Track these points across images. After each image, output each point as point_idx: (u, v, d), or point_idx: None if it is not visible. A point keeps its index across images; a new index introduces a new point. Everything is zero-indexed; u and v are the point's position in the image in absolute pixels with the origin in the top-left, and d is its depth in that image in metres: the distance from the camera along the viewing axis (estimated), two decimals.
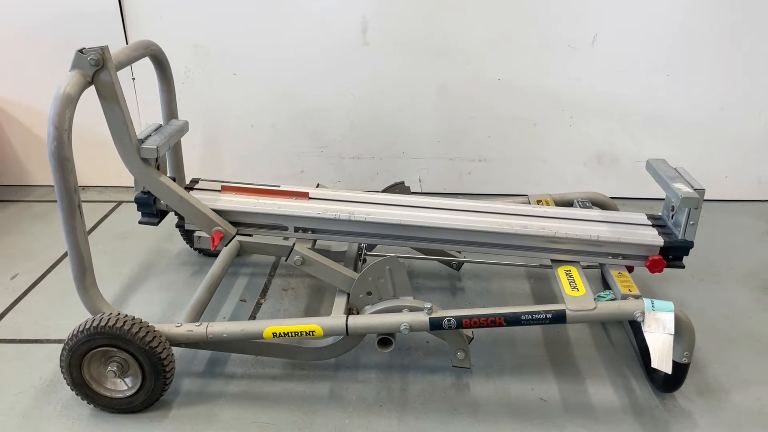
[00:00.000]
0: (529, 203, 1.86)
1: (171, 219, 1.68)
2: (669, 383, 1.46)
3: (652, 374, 1.53)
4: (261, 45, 2.37)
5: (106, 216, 2.40)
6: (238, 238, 1.92)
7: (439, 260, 1.93)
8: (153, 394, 1.42)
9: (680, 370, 1.41)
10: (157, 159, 1.48)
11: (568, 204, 1.87)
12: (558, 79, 2.38)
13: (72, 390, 1.43)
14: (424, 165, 2.54)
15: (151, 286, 1.95)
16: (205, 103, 2.46)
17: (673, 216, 1.54)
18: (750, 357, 1.64)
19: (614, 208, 1.88)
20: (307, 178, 2.58)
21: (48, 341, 1.70)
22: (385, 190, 1.81)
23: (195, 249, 2.08)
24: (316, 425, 1.42)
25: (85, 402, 1.44)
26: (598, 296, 1.49)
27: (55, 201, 1.35)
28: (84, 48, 1.34)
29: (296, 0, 2.29)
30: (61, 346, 1.60)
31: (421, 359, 1.63)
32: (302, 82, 2.42)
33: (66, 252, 1.42)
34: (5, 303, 1.86)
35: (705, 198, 1.43)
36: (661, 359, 1.33)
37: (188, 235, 2.06)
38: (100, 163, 2.53)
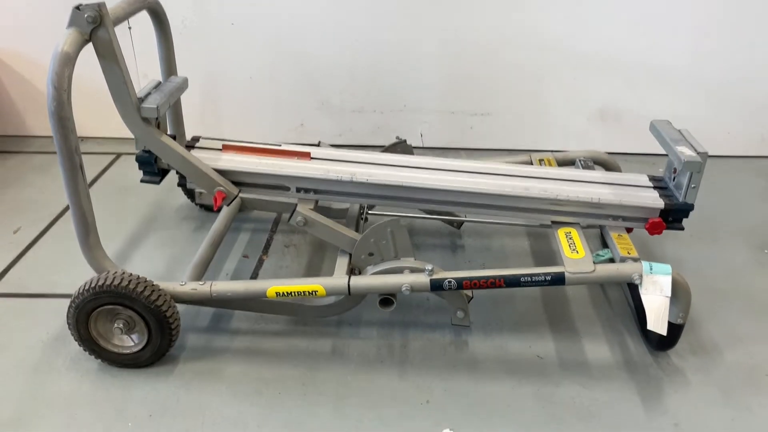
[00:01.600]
0: (531, 163, 1.86)
1: (172, 174, 1.68)
2: (663, 342, 1.49)
3: (647, 333, 1.56)
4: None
5: (105, 169, 2.40)
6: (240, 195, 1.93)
7: (440, 219, 1.94)
8: (159, 350, 1.45)
9: (675, 330, 1.44)
10: (157, 118, 1.47)
11: (570, 163, 1.87)
12: (564, 34, 2.34)
13: (80, 346, 1.46)
14: (425, 119, 2.52)
15: (154, 242, 1.96)
16: (203, 54, 2.42)
17: (674, 178, 1.54)
18: (745, 315, 1.67)
19: (616, 167, 1.88)
20: (307, 132, 2.56)
21: (54, 296, 1.72)
22: (387, 149, 1.81)
23: (196, 204, 2.09)
24: (318, 381, 1.46)
25: (93, 357, 1.48)
26: (597, 254, 1.51)
27: (55, 153, 1.34)
28: (81, 4, 1.31)
29: None
30: (66, 300, 1.63)
31: (422, 316, 1.66)
32: (302, 34, 2.38)
33: (67, 206, 1.43)
34: (9, 257, 1.88)
35: (708, 154, 1.42)
36: (657, 321, 1.36)
37: (189, 191, 2.06)
38: (98, 114, 2.49)
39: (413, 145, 2.48)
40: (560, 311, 1.69)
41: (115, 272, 1.40)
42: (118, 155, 2.50)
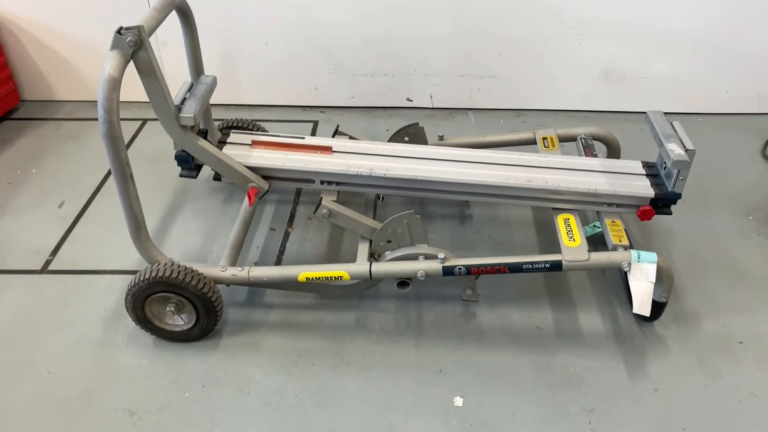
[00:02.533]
0: (535, 140, 1.99)
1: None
2: (647, 318, 1.68)
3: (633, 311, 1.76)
4: None
5: (133, 138, 2.54)
6: None
7: None
8: (206, 328, 1.66)
9: (658, 307, 1.63)
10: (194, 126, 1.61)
11: (572, 139, 2.01)
12: None
13: (137, 324, 1.67)
14: (435, 81, 2.63)
15: (188, 216, 2.14)
16: (219, 21, 2.51)
17: (665, 168, 1.69)
18: (724, 285, 1.86)
19: (615, 143, 2.02)
20: (321, 95, 2.68)
21: (105, 272, 1.93)
22: (400, 131, 1.94)
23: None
24: (345, 352, 1.68)
25: (149, 333, 1.69)
26: (592, 226, 1.71)
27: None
28: (122, 28, 1.43)
29: None
30: (117, 276, 1.85)
31: (434, 289, 1.86)
32: (315, 1, 2.45)
33: (106, 177, 1.62)
34: (59, 232, 2.07)
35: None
36: (641, 305, 1.55)
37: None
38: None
39: (423, 106, 2.61)
40: (558, 281, 1.88)
41: (165, 264, 1.59)
42: (145, 121, 2.63)
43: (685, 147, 1.59)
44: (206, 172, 2.27)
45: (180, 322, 1.68)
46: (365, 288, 1.73)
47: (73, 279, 1.91)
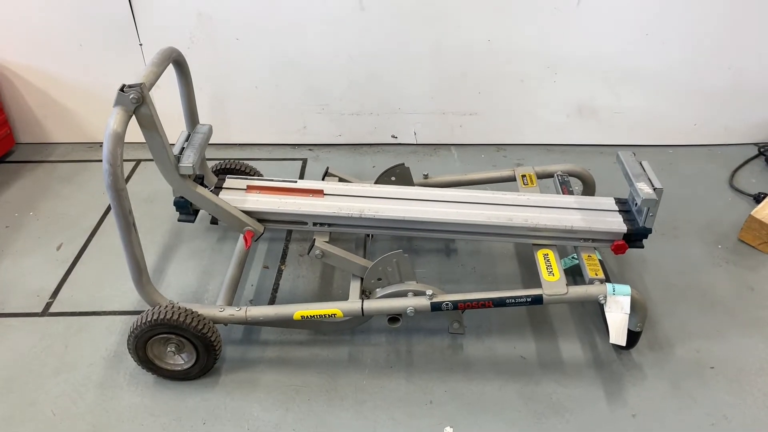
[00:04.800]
0: (515, 178, 2.11)
1: None
2: (625, 345, 1.78)
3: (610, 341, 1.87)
4: (262, 11, 2.48)
5: (128, 177, 2.62)
6: None
7: None
8: (206, 366, 1.74)
9: (634, 336, 1.74)
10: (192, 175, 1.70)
11: (549, 176, 2.12)
12: (544, 39, 2.53)
13: (138, 365, 1.74)
14: (418, 119, 2.74)
15: (183, 255, 2.22)
16: (210, 67, 2.61)
17: (636, 204, 1.80)
18: (696, 311, 1.97)
19: (589, 179, 2.13)
20: (309, 133, 2.78)
21: (105, 313, 1.99)
22: (387, 171, 2.05)
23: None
24: (339, 387, 1.76)
25: (150, 373, 1.76)
26: (571, 258, 1.81)
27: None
28: (124, 86, 1.52)
29: None
30: (117, 317, 1.92)
31: (423, 322, 1.95)
32: (303, 46, 2.56)
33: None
34: (59, 275, 2.14)
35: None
36: (617, 335, 1.65)
37: None
38: None
39: (407, 142, 2.72)
40: (540, 311, 1.98)
41: (167, 306, 1.67)
42: (138, 162, 2.72)
43: (653, 186, 1.70)
44: (202, 213, 2.37)
45: (180, 361, 1.75)
46: (357, 324, 1.81)
47: (74, 320, 1.97)
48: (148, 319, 1.65)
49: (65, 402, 1.72)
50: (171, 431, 1.65)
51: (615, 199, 1.89)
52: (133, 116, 1.56)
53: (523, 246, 2.24)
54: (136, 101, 1.52)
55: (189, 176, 1.71)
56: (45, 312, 2.00)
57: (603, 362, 1.82)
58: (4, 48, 2.60)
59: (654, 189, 1.70)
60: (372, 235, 2.02)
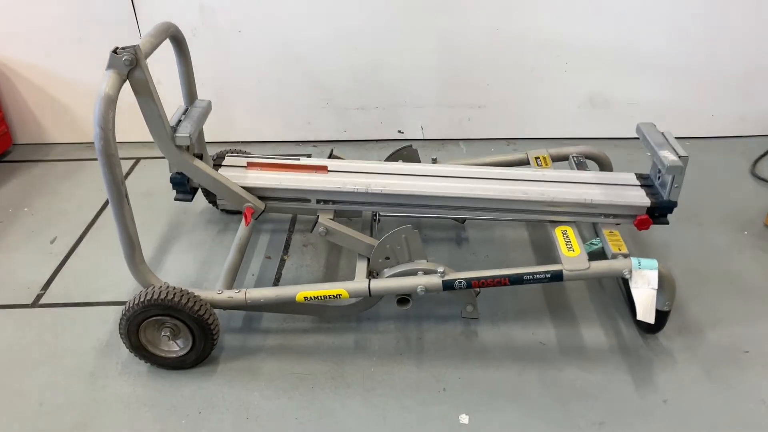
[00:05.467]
0: (528, 161, 2.01)
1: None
2: (652, 327, 1.66)
3: (637, 318, 1.74)
4: (265, 3, 2.42)
5: (127, 174, 2.54)
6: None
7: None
8: (202, 353, 1.62)
9: (662, 317, 1.61)
10: (189, 146, 1.61)
11: (564, 158, 2.03)
12: (554, 27, 2.46)
13: (131, 352, 1.63)
14: (425, 113, 2.66)
15: (183, 246, 2.12)
16: (213, 60, 2.54)
17: (659, 177, 1.70)
18: (725, 297, 1.85)
19: (606, 161, 2.03)
20: (314, 129, 2.70)
21: (98, 304, 1.89)
22: (394, 153, 1.95)
23: (219, 209, 2.23)
24: (346, 374, 1.64)
25: (143, 361, 1.65)
26: (590, 243, 1.70)
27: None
28: (117, 48, 1.44)
29: None
30: (110, 307, 1.81)
31: (434, 309, 1.83)
32: (305, 38, 2.50)
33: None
34: (50, 268, 2.04)
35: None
36: (645, 311, 1.53)
37: (210, 197, 2.20)
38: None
39: (414, 137, 2.64)
40: (559, 299, 1.86)
41: (161, 287, 1.56)
42: (138, 160, 2.63)
43: (678, 154, 1.60)
44: (201, 204, 2.28)
45: (175, 348, 1.64)
46: (364, 307, 1.70)
47: (65, 312, 1.87)
48: (141, 300, 1.55)
49: (53, 392, 1.61)
50: (164, 421, 1.53)
51: (636, 174, 1.79)
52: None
53: (538, 232, 2.13)
54: (129, 63, 1.44)
55: (186, 148, 1.62)
56: (35, 303, 1.90)
57: (629, 348, 1.69)
58: (2, 45, 2.54)
59: (679, 157, 1.59)
60: (378, 219, 1.92)
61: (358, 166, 1.77)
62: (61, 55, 2.56)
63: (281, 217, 2.25)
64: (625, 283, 1.84)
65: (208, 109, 1.76)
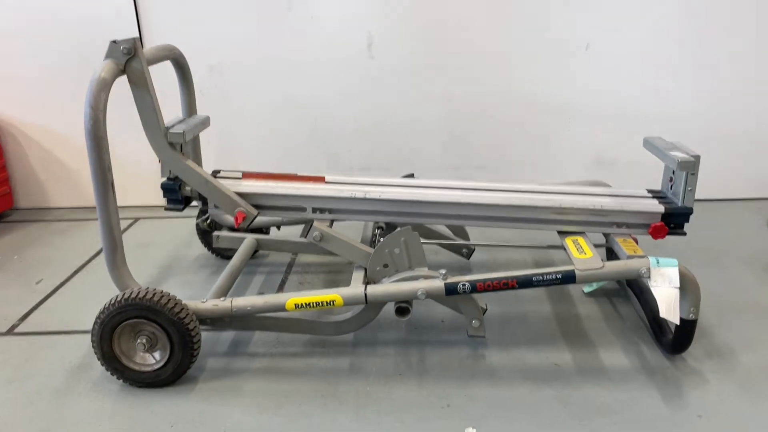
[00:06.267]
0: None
1: (190, 229, 1.75)
2: (678, 343, 1.50)
3: (660, 338, 1.59)
4: (273, 65, 2.50)
5: (125, 230, 2.48)
6: (255, 236, 2.01)
7: (449, 245, 1.99)
8: (180, 366, 1.47)
9: (688, 326, 1.46)
10: (182, 146, 1.57)
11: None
12: (556, 86, 2.50)
13: (102, 365, 1.48)
14: (431, 175, 2.63)
15: (171, 285, 2.01)
16: (219, 120, 2.57)
17: (672, 186, 1.62)
18: (755, 323, 1.70)
19: None
20: None
21: (76, 332, 1.75)
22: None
23: (213, 251, 2.15)
24: (338, 392, 1.47)
25: (115, 377, 1.49)
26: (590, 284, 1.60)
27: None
28: (116, 39, 1.45)
29: (306, 22, 2.43)
30: (86, 336, 1.67)
31: (437, 336, 1.68)
32: (312, 98, 2.54)
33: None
34: (32, 303, 1.92)
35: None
36: (669, 310, 1.39)
37: (206, 238, 2.13)
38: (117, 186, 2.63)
39: None
40: (573, 327, 1.71)
41: (140, 288, 1.45)
42: (136, 219, 2.59)
43: (688, 154, 1.54)
44: (196, 251, 2.20)
45: (151, 360, 1.49)
46: (361, 323, 1.56)
47: (40, 339, 1.73)
48: (118, 299, 1.43)
49: (14, 409, 1.44)
50: None
51: (647, 189, 1.71)
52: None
53: (547, 259, 2.01)
54: (127, 53, 1.44)
55: (180, 149, 1.57)
56: (9, 332, 1.77)
57: (654, 369, 1.52)
58: (11, 104, 2.60)
59: (691, 156, 1.53)
60: (377, 236, 1.81)
61: (358, 179, 1.71)
62: (68, 115, 2.60)
63: (278, 261, 2.15)
64: (644, 305, 1.71)
65: (206, 121, 1.74)
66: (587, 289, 1.89)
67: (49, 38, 2.49)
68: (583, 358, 1.57)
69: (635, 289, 1.81)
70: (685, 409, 1.38)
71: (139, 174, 2.64)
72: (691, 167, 1.50)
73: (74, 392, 1.49)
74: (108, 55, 1.45)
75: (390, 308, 1.53)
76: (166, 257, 2.22)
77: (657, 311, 1.61)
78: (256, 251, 2.06)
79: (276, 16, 2.44)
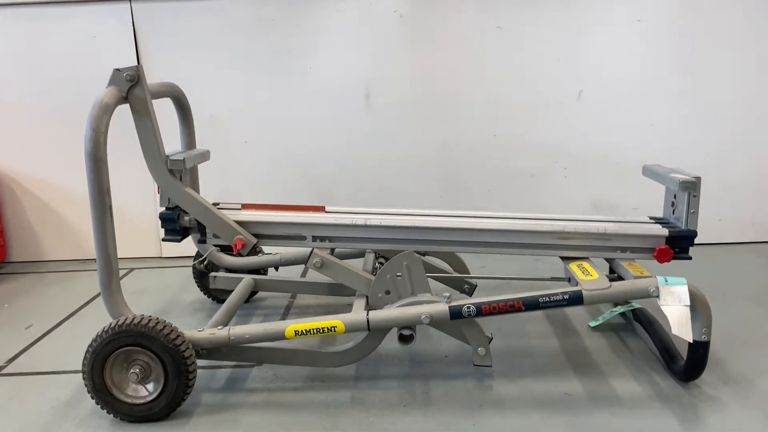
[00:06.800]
0: None
1: (186, 276, 1.73)
2: (692, 368, 1.45)
3: (673, 366, 1.54)
4: (271, 114, 2.54)
5: (120, 279, 2.43)
6: (252, 276, 1.97)
7: (450, 279, 1.96)
8: (175, 397, 1.40)
9: (701, 349, 1.42)
10: (182, 176, 1.56)
11: None
12: (550, 134, 2.53)
13: (93, 398, 1.41)
14: None
15: None
16: (218, 170, 2.58)
17: (674, 211, 1.61)
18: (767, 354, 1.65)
19: None
20: None
21: (65, 372, 1.69)
22: None
23: (209, 295, 2.10)
24: (340, 424, 1.40)
25: (105, 412, 1.42)
26: (609, 312, 1.57)
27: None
28: (120, 67, 1.47)
29: (304, 73, 2.49)
30: (76, 375, 1.61)
31: (442, 369, 1.63)
32: (310, 148, 2.57)
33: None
34: (20, 346, 1.86)
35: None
36: (681, 327, 1.35)
37: (203, 282, 2.09)
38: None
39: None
40: (582, 359, 1.66)
41: (135, 315, 1.41)
42: (131, 269, 2.55)
43: (690, 176, 1.54)
44: (191, 295, 2.15)
45: (144, 392, 1.42)
46: (363, 352, 1.51)
47: (27, 379, 1.67)
48: (113, 326, 1.38)
49: None
50: None
51: (649, 216, 1.70)
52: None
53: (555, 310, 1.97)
54: (130, 79, 1.46)
55: (179, 175, 1.56)
56: None
57: (668, 396, 1.46)
58: (9, 156, 2.61)
59: (692, 177, 1.53)
60: (378, 268, 1.77)
61: (358, 209, 1.69)
62: (66, 168, 2.60)
63: (275, 303, 2.11)
64: (653, 335, 1.67)
65: (206, 154, 1.74)
66: (593, 323, 1.84)
67: (48, 93, 2.53)
68: (594, 387, 1.51)
69: (643, 321, 1.76)
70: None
71: (134, 225, 2.62)
72: (692, 188, 1.50)
73: (62, 429, 1.42)
74: (111, 82, 1.46)
75: (392, 342, 1.48)
76: (162, 302, 2.17)
77: (667, 341, 1.59)
78: (254, 293, 2.02)
79: (276, 67, 2.50)
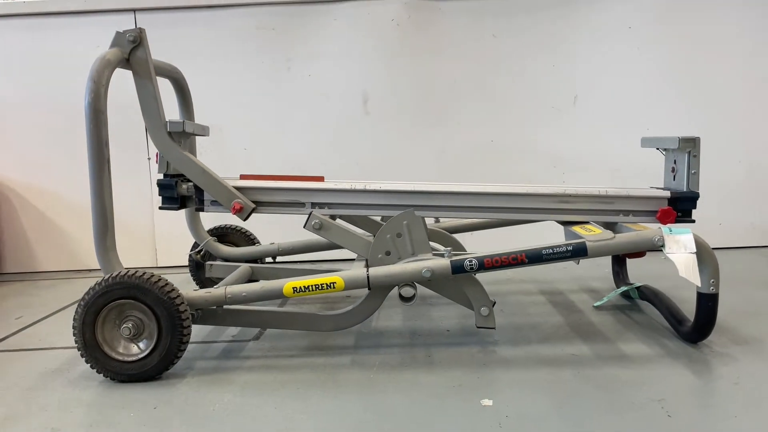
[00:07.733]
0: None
1: (183, 277, 1.71)
2: (701, 324, 1.41)
3: (681, 329, 1.50)
4: (270, 122, 2.56)
5: None
6: (249, 265, 1.94)
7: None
8: (168, 354, 1.35)
9: (710, 301, 1.38)
10: (180, 140, 1.56)
11: None
12: (546, 138, 2.55)
13: (83, 356, 1.36)
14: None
15: None
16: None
17: (674, 177, 1.61)
18: None
19: None
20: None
21: (54, 348, 1.64)
22: None
23: (205, 287, 2.06)
24: (339, 380, 1.34)
25: (95, 371, 1.36)
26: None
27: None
28: (123, 29, 1.49)
29: (303, 81, 2.53)
30: (66, 351, 1.57)
31: (443, 339, 1.58)
32: (309, 155, 2.58)
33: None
34: (10, 331, 1.81)
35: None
36: (688, 271, 1.32)
37: (198, 274, 2.05)
38: None
39: None
40: (588, 330, 1.61)
41: (129, 269, 1.37)
42: None
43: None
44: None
45: (135, 350, 1.37)
46: (362, 316, 1.46)
47: (14, 354, 1.61)
48: (106, 279, 1.35)
49: None
50: (106, 414, 1.21)
51: (650, 186, 1.69)
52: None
53: (556, 296, 1.93)
54: (133, 40, 1.48)
55: (179, 142, 1.56)
56: None
57: (678, 353, 1.42)
58: (5, 167, 2.61)
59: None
60: None
61: (357, 181, 1.68)
62: (63, 177, 2.60)
63: None
64: (659, 306, 1.63)
65: (205, 129, 1.74)
66: (598, 303, 1.80)
67: (49, 103, 2.55)
68: (601, 349, 1.46)
69: (648, 295, 1.73)
70: (719, 379, 1.27)
71: (132, 237, 2.59)
72: (692, 146, 1.50)
73: (47, 388, 1.36)
74: (114, 44, 1.48)
75: (393, 320, 1.44)
76: None
77: (674, 307, 1.56)
78: (251, 282, 1.98)
79: (275, 75, 2.54)
